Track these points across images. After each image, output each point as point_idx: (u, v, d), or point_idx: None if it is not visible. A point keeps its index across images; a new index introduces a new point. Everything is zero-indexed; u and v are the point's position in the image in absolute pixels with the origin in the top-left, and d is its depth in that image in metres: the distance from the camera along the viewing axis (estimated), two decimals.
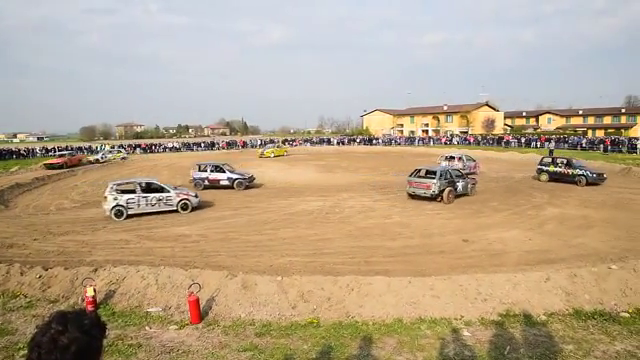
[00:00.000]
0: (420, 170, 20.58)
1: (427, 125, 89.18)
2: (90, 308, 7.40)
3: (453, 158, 29.04)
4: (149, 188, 17.60)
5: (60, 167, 35.27)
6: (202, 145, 68.56)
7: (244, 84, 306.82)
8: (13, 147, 63.32)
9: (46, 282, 8.69)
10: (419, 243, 12.53)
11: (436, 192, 18.62)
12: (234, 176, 23.79)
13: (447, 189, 18.77)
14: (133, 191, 17.20)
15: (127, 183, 18.18)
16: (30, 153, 51.96)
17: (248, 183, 24.03)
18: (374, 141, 72.96)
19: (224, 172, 23.97)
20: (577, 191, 21.59)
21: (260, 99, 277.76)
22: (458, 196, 19.56)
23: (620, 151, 44.15)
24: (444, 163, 28.75)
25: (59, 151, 50.55)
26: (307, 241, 12.87)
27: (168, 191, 17.65)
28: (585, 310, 7.03)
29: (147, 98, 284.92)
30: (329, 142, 75.25)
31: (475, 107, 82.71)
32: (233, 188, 23.33)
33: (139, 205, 17.02)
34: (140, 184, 17.61)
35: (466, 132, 77.09)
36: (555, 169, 24.60)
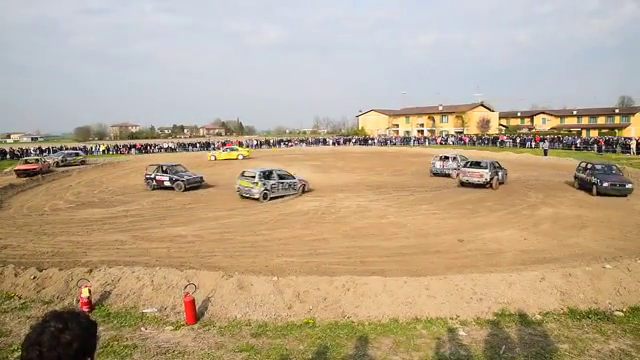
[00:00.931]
0: (471, 162, 24.87)
1: (422, 125, 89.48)
2: (85, 309, 7.37)
3: (447, 158, 29.06)
4: (282, 176, 21.55)
5: (35, 174, 30.08)
6: (197, 145, 68.40)
7: (240, 84, 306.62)
8: (7, 147, 62.79)
9: (40, 283, 8.65)
10: (415, 243, 12.56)
11: (487, 180, 22.38)
12: (174, 177, 24.13)
13: (495, 177, 22.65)
14: (273, 178, 20.82)
15: (269, 171, 21.23)
16: (24, 153, 51.60)
17: (192, 185, 24.24)
18: (369, 141, 73.12)
19: (166, 173, 24.50)
20: (571, 191, 21.71)
21: (256, 99, 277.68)
22: (478, 186, 22.48)
23: (614, 151, 44.49)
24: (438, 163, 28.78)
25: (53, 152, 50.28)
26: (303, 241, 12.87)
27: (294, 178, 21.89)
28: (580, 309, 7.07)
29: (142, 98, 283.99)
30: (325, 142, 75.36)
31: (470, 107, 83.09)
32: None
33: (278, 189, 20.73)
34: (278, 172, 21.56)
35: (461, 132, 77.38)
36: None
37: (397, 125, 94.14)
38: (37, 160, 34.50)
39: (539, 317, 6.87)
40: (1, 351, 6.27)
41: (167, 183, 24.18)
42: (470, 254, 11.42)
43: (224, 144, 63.38)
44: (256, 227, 14.77)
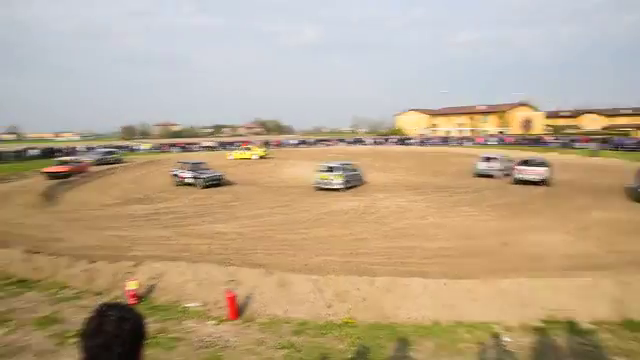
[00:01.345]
0: (527, 160, 25.57)
1: (462, 125, 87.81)
2: (132, 301, 7.62)
3: (492, 158, 28.36)
4: (354, 169, 24.78)
5: (65, 176, 28.58)
6: (236, 144, 69.46)
7: (278, 84, 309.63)
8: (58, 146, 65.87)
9: (91, 275, 9.02)
10: (456, 245, 12.32)
11: (545, 177, 23.40)
12: (195, 174, 25.17)
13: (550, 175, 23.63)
14: (349, 170, 23.94)
15: (346, 164, 24.26)
16: (73, 151, 53.78)
17: (212, 182, 25.02)
18: (408, 141, 72.33)
19: (189, 170, 25.64)
20: (623, 194, 20.80)
21: (295, 99, 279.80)
22: (534, 183, 23.31)
23: None
24: (482, 164, 28.14)
25: (89, 150, 51.89)
26: (342, 241, 12.85)
27: (358, 170, 25.38)
28: (636, 320, 6.75)
29: (184, 98, 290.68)
30: (363, 142, 75.06)
31: (512, 107, 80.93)
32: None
33: (349, 181, 23.25)
34: (351, 166, 24.75)
35: (503, 132, 75.44)
36: None
37: (436, 125, 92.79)
38: (67, 162, 32.53)
39: (590, 326, 6.61)
40: (58, 336, 6.58)
41: (189, 180, 25.28)
42: (514, 257, 11.09)
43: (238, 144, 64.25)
44: (296, 226, 14.86)
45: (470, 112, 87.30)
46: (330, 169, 23.44)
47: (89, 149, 53.29)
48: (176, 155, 53.09)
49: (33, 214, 17.79)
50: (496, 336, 6.34)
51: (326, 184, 22.74)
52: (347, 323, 6.97)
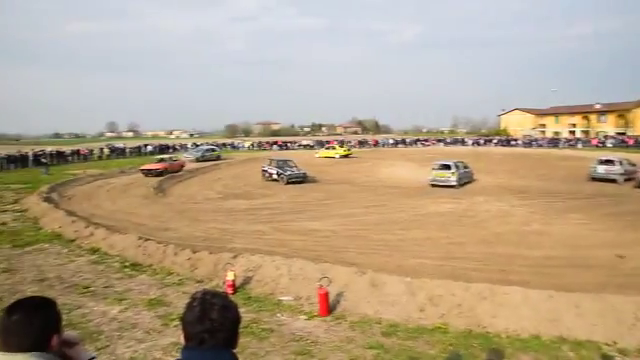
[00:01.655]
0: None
1: (574, 125, 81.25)
2: (230, 291, 8.03)
3: (612, 162, 25.89)
4: (465, 166, 26.21)
5: (159, 174, 29.21)
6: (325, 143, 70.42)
7: (377, 83, 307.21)
8: (170, 143, 71.65)
9: (194, 264, 9.65)
10: (562, 254, 11.44)
11: None
12: (279, 171, 26.75)
13: None
14: (461, 168, 25.15)
15: (460, 163, 25.73)
16: (183, 148, 58.03)
17: (294, 179, 26.27)
18: (512, 142, 68.56)
19: (275, 167, 27.50)
20: None
21: (392, 98, 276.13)
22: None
23: None
24: (599, 167, 25.85)
25: (196, 147, 55.27)
26: (438, 244, 12.51)
27: (469, 168, 26.81)
28: None
29: (283, 98, 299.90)
30: (463, 142, 72.55)
31: (636, 105, 72.97)
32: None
33: (462, 179, 24.45)
34: (464, 164, 26.20)
35: (624, 133, 68.58)
36: None
37: (544, 125, 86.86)
38: (163, 160, 33.78)
39: None
40: (163, 317, 7.14)
41: (274, 176, 26.93)
42: (632, 273, 10.04)
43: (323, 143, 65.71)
44: (390, 226, 14.73)
45: (584, 111, 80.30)
46: (445, 167, 24.57)
47: (195, 146, 57.05)
48: (274, 153, 55.05)
49: (146, 204, 19.45)
50: (607, 358, 5.79)
51: (442, 181, 23.94)
52: (439, 328, 6.77)
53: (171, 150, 58.70)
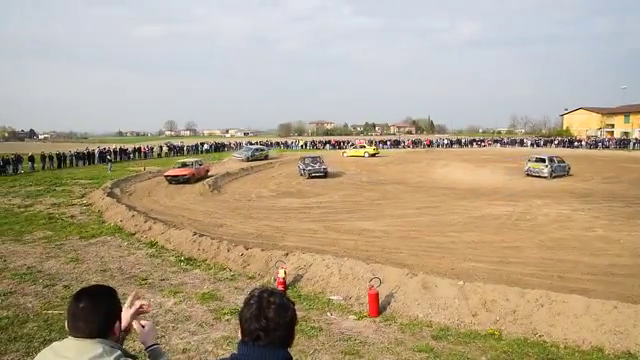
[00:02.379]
0: None
1: None
2: (280, 288, 8.12)
3: None
4: (560, 160, 29.11)
5: (186, 181, 25.62)
6: (387, 143, 69.84)
7: (432, 82, 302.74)
8: (226, 141, 73.84)
9: (246, 260, 9.84)
10: (630, 263, 10.78)
11: None
12: (302, 166, 29.71)
13: None
14: (554, 161, 28.37)
15: (554, 156, 29.55)
16: (238, 146, 59.38)
17: (314, 174, 28.62)
18: (575, 143, 65.37)
19: (302, 163, 30.26)
20: None
21: (448, 97, 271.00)
22: None
23: None
24: None
25: (250, 144, 56.21)
26: (493, 247, 12.12)
27: (566, 163, 29.32)
28: None
29: (337, 97, 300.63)
30: (522, 143, 69.89)
31: None
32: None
33: (554, 171, 27.79)
34: (557, 157, 29.39)
35: None
36: None
37: (612, 125, 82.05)
38: (187, 164, 28.07)
39: None
40: (216, 311, 7.34)
41: (301, 171, 29.79)
42: None
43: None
44: (444, 228, 14.42)
45: None
46: (540, 160, 28.82)
47: (250, 144, 58.19)
48: (327, 152, 55.24)
49: (202, 201, 20.05)
50: None
51: (536, 172, 28.12)
52: (492, 334, 6.56)
53: (226, 149, 60.32)
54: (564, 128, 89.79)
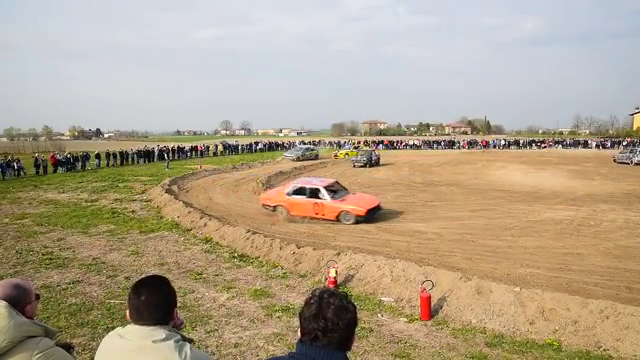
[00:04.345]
0: None
1: None
2: (335, 288, 8.14)
3: None
4: None
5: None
6: (442, 144, 68.46)
7: (489, 81, 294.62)
8: (279, 140, 74.99)
9: (298, 258, 9.92)
10: None
11: None
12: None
13: None
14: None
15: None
16: (291, 145, 60.05)
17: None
18: None
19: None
20: None
21: (506, 97, 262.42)
22: None
23: None
24: None
25: (305, 144, 57.00)
26: (552, 253, 11.59)
27: None
28: None
29: (391, 97, 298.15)
30: (586, 144, 66.50)
31: None
32: None
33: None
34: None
35: None
36: None
37: None
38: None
39: None
40: (267, 308, 7.46)
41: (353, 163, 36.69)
42: None
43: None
44: (500, 232, 13.95)
45: None
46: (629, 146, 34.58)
47: (304, 144, 58.72)
48: (381, 152, 54.78)
49: (255, 199, 20.37)
50: None
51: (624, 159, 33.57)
52: (551, 345, 6.27)
53: (279, 148, 61.18)
54: (634, 128, 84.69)
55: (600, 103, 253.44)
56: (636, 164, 35.17)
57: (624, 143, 63.89)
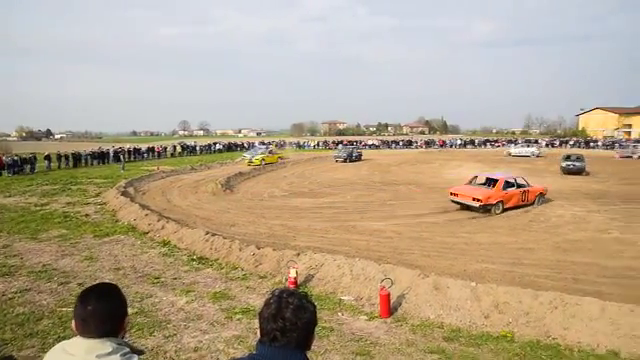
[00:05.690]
0: None
1: None
2: (295, 288, 8.15)
3: None
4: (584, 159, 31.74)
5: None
6: (400, 143, 69.62)
7: (445, 83, 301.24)
8: (239, 141, 74.17)
9: (258, 259, 9.87)
10: None
11: None
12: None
13: None
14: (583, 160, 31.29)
15: (581, 155, 32.68)
16: (250, 146, 59.61)
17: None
18: (591, 144, 64.49)
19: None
20: None
21: (461, 98, 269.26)
22: None
23: None
24: None
25: (266, 145, 56.47)
26: (506, 249, 12.02)
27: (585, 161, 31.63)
28: None
29: (350, 98, 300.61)
30: (536, 143, 69.07)
31: None
32: None
33: (585, 167, 31.07)
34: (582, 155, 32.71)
35: None
36: None
37: (629, 125, 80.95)
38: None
39: None
40: (227, 310, 7.38)
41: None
42: None
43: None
44: (457, 229, 14.33)
45: None
46: (568, 157, 32.23)
47: (261, 144, 58.42)
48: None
49: (214, 200, 20.15)
50: None
51: (571, 169, 30.74)
52: (505, 337, 6.50)
53: (238, 148, 60.57)
54: (580, 128, 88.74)
55: (550, 104, 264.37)
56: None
57: (571, 142, 66.85)
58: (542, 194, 18.73)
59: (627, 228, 14.40)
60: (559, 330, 6.44)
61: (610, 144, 62.87)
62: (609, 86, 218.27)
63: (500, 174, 19.03)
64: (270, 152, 41.95)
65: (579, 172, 30.36)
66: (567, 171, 30.78)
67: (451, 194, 18.21)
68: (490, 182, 18.10)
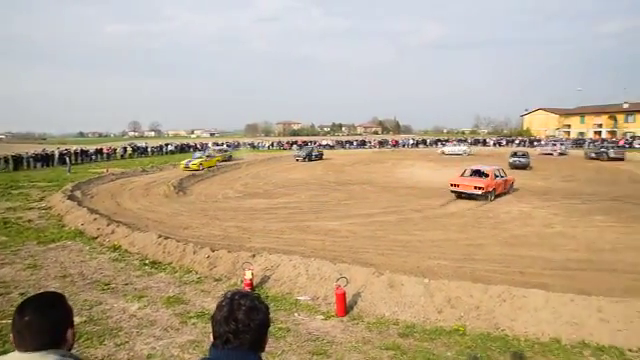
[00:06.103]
0: None
1: (600, 126, 79.51)
2: (248, 290, 8.07)
3: None
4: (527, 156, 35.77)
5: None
6: (354, 143, 70.38)
7: (398, 84, 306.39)
8: (191, 142, 72.85)
9: (213, 262, 9.72)
10: (585, 258, 11.21)
11: None
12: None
13: None
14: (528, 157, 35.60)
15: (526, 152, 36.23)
16: (204, 147, 58.58)
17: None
18: (535, 143, 67.35)
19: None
20: None
21: (413, 98, 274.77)
22: None
23: None
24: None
25: (219, 146, 55.88)
26: (457, 245, 12.38)
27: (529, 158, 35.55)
28: None
29: (304, 98, 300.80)
30: (485, 143, 71.57)
31: None
32: None
33: (530, 163, 34.61)
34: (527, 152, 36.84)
35: None
36: None
37: (569, 125, 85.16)
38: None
39: None
40: (182, 315, 7.23)
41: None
42: None
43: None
44: (409, 227, 14.63)
45: (612, 111, 78.27)
46: (516, 154, 36.18)
47: (216, 145, 57.60)
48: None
49: (167, 203, 19.70)
50: None
51: (518, 164, 34.11)
52: (457, 330, 6.70)
53: (192, 150, 59.44)
54: (524, 128, 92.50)
55: (497, 105, 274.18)
56: (611, 159, 40.85)
57: (516, 142, 69.58)
58: (512, 183, 22.25)
59: (567, 222, 15.17)
60: (507, 322, 6.69)
61: (551, 143, 65.85)
62: (552, 87, 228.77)
63: (487, 167, 21.64)
64: (208, 156, 39.14)
65: (524, 167, 33.74)
66: (514, 166, 33.71)
67: (451, 185, 20.40)
68: (482, 174, 20.57)
